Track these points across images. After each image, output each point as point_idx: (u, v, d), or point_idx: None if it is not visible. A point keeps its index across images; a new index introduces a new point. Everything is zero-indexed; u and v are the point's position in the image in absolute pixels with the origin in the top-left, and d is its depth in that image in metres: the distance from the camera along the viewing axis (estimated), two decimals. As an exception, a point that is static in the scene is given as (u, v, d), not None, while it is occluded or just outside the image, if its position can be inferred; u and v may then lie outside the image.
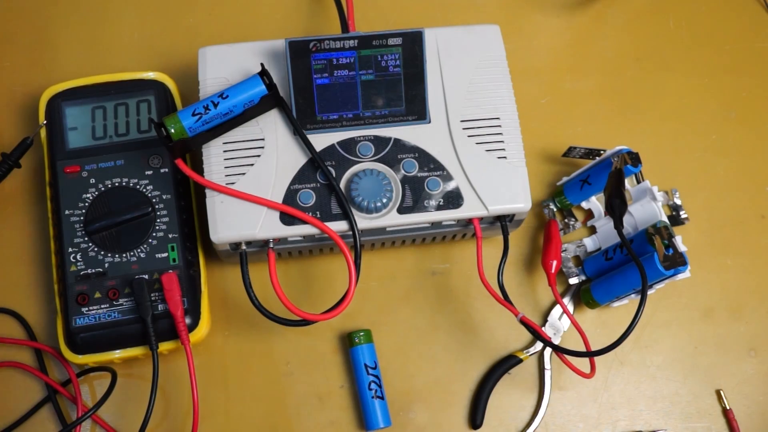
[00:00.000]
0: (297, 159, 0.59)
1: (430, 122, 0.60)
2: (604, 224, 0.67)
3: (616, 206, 0.60)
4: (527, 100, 0.69)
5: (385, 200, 0.58)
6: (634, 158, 0.61)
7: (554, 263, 0.64)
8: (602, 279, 0.64)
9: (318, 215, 0.58)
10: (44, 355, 0.62)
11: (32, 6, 0.72)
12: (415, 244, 0.65)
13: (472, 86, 0.62)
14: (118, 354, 0.59)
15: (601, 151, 0.65)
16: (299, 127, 0.59)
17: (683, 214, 0.68)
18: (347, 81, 0.59)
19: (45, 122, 0.63)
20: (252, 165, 0.58)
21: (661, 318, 0.67)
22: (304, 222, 0.57)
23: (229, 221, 0.57)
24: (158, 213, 0.60)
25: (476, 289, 0.65)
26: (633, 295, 0.63)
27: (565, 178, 0.67)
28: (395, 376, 0.64)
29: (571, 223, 0.68)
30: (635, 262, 0.58)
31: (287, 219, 0.57)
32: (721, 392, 0.65)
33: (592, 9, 0.76)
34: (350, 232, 0.58)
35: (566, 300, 0.66)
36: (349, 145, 0.59)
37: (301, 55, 0.59)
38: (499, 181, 0.59)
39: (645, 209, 0.64)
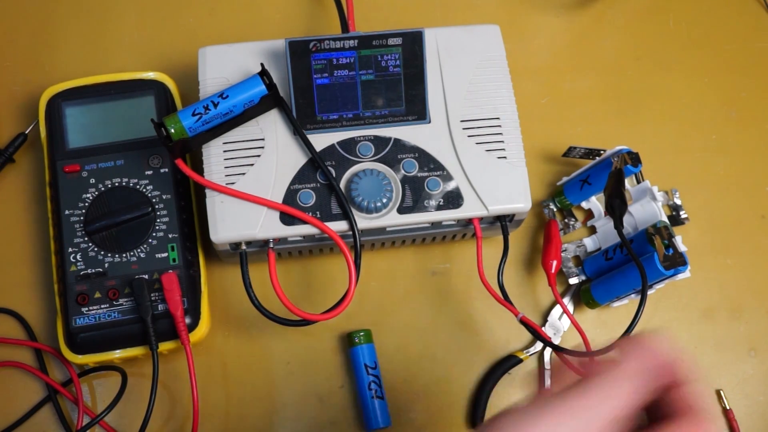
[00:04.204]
0: (297, 159, 0.59)
1: (430, 122, 0.61)
2: (604, 224, 0.67)
3: (616, 206, 0.60)
4: (527, 100, 0.69)
5: (385, 200, 0.58)
6: (634, 158, 0.61)
7: (554, 263, 0.64)
8: (602, 279, 0.64)
9: (318, 215, 0.58)
10: (44, 355, 0.62)
11: (32, 6, 0.72)
12: (415, 244, 0.65)
13: (472, 86, 0.62)
14: (118, 354, 0.59)
15: (601, 151, 0.65)
16: (299, 127, 0.59)
17: (683, 214, 0.68)
18: (347, 81, 0.59)
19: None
20: (252, 165, 0.58)
21: (661, 318, 0.67)
22: (304, 222, 0.57)
23: (229, 221, 0.57)
24: (158, 213, 0.60)
25: (476, 289, 0.65)
26: (633, 295, 0.63)
27: (565, 178, 0.67)
28: (395, 376, 0.64)
29: (571, 223, 0.68)
30: (635, 262, 0.58)
31: (287, 219, 0.57)
32: (721, 392, 0.65)
33: (592, 9, 0.76)
34: (350, 232, 0.58)
35: (566, 300, 0.66)
36: (349, 145, 0.59)
37: (301, 55, 0.59)
38: (499, 181, 0.59)
39: (645, 209, 0.64)
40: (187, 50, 0.70)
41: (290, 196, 0.58)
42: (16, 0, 0.72)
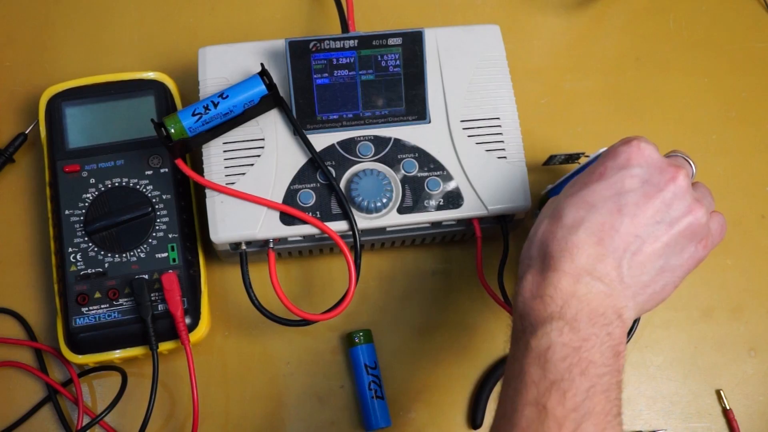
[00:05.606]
0: (297, 159, 0.59)
1: (430, 122, 0.61)
2: (604, 224, 0.66)
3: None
4: (527, 100, 0.69)
5: (385, 200, 0.58)
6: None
7: (554, 263, 0.63)
8: (602, 279, 0.63)
9: (318, 215, 0.58)
10: (44, 355, 0.62)
11: (32, 6, 0.72)
12: (415, 244, 0.65)
13: (472, 86, 0.62)
14: (118, 354, 0.59)
15: (582, 154, 0.64)
16: (299, 127, 0.59)
17: (683, 214, 0.68)
18: (347, 81, 0.59)
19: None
20: (252, 165, 0.58)
21: (661, 318, 0.67)
22: (304, 222, 0.57)
23: (229, 221, 0.57)
24: (158, 213, 0.60)
25: (476, 289, 0.65)
26: (633, 295, 0.62)
27: (549, 186, 0.65)
28: (395, 376, 0.64)
29: (571, 223, 0.67)
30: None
31: (287, 219, 0.57)
32: (721, 392, 0.65)
33: (592, 9, 0.76)
34: (350, 232, 0.58)
35: (566, 300, 0.66)
36: (349, 145, 0.59)
37: (301, 55, 0.59)
38: (499, 181, 0.59)
39: (645, 209, 0.63)
40: (187, 50, 0.70)
41: (290, 196, 0.58)
42: (16, 0, 0.72)
